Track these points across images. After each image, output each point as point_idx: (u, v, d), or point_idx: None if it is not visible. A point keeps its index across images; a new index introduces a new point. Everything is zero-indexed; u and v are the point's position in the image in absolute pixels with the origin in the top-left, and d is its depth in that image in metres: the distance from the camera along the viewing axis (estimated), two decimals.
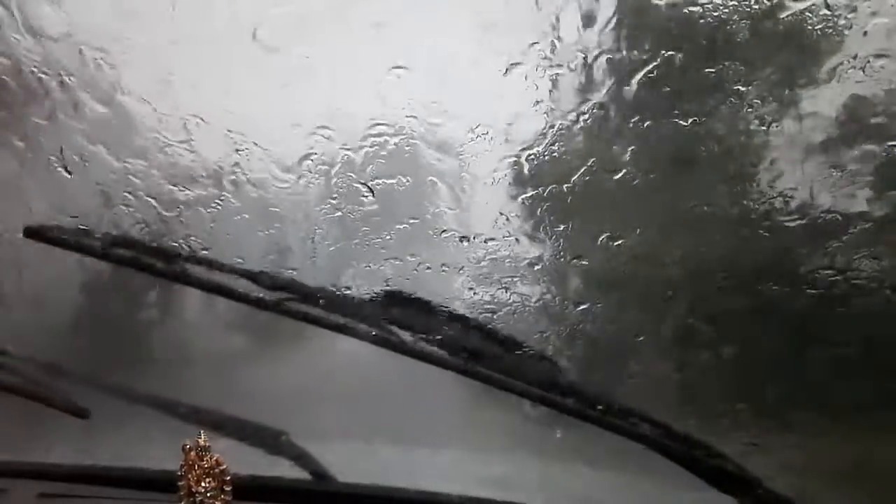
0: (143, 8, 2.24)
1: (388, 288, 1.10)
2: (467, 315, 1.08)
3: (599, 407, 1.11)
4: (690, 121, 2.19)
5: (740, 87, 2.23)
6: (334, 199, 2.22)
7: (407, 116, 2.21)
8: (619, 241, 2.30)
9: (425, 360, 1.08)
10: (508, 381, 1.09)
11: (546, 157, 2.26)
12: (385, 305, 1.12)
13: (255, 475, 1.71)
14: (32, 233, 1.23)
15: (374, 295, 1.11)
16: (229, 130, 2.36)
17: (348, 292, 1.10)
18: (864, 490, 2.37)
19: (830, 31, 2.12)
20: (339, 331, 1.08)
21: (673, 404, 4.32)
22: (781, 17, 2.06)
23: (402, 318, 1.09)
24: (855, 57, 2.12)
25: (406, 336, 1.08)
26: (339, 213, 2.41)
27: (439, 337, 1.07)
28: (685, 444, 1.12)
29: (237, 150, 2.64)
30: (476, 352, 1.09)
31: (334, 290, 1.07)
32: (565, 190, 2.35)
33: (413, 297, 1.09)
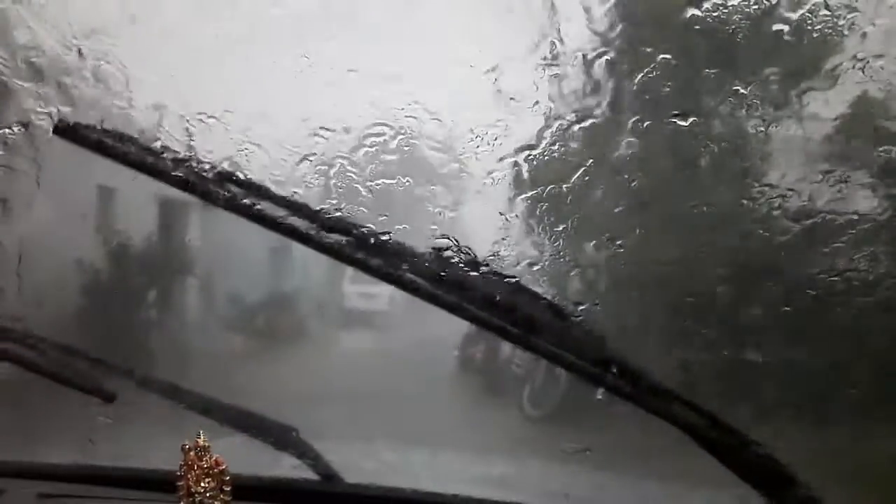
0: (145, 11, 2.24)
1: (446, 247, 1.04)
2: (519, 280, 1.03)
3: (647, 387, 1.06)
4: (690, 121, 2.19)
5: (740, 88, 2.23)
6: (333, 199, 2.22)
7: (407, 117, 2.21)
8: (619, 241, 2.30)
9: (476, 323, 1.04)
10: (558, 351, 1.05)
11: (545, 158, 2.26)
12: (440, 263, 1.06)
13: (257, 475, 1.71)
14: (63, 131, 1.09)
15: (432, 251, 1.05)
16: (228, 130, 2.36)
17: (407, 244, 1.04)
18: (863, 488, 2.37)
19: (830, 32, 2.11)
20: (393, 282, 1.03)
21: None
22: (782, 19, 2.06)
23: (455, 279, 1.04)
24: (854, 58, 2.12)
25: (455, 297, 1.03)
26: (339, 214, 2.41)
27: (487, 296, 1.02)
28: (729, 435, 1.08)
29: (237, 151, 2.63)
30: (526, 319, 1.04)
31: (394, 240, 1.02)
32: (564, 190, 2.35)
33: (470, 257, 1.03)
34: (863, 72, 2.11)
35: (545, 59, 2.09)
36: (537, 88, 2.14)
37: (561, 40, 2.08)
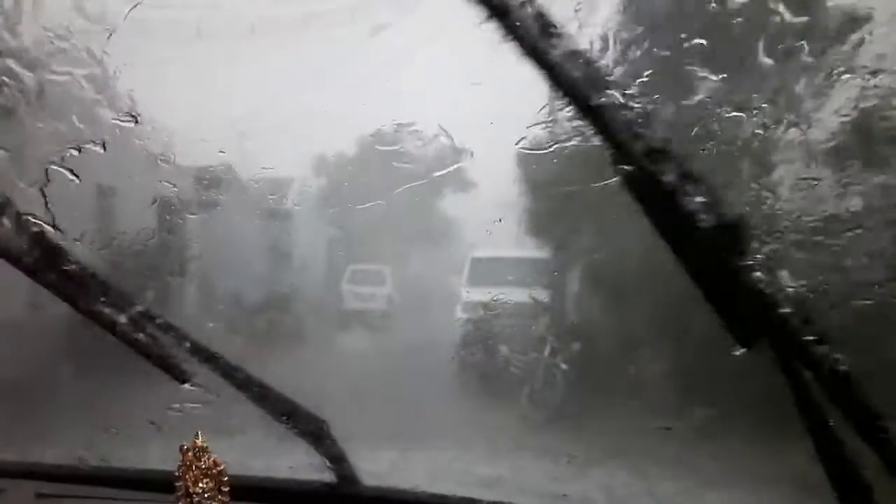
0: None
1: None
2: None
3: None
4: (693, 125, 2.19)
5: (744, 94, 2.23)
6: (335, 200, 2.23)
7: (410, 117, 2.22)
8: (620, 242, 2.30)
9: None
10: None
11: (547, 159, 2.26)
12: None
13: (256, 476, 1.71)
14: None
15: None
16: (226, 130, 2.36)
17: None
18: None
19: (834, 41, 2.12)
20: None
21: (670, 403, 4.34)
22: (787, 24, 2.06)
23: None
24: (854, 67, 2.12)
25: None
26: (340, 214, 2.42)
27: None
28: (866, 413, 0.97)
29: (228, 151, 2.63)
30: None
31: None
32: (566, 192, 2.35)
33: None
34: (862, 78, 2.12)
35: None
36: (538, 92, 2.14)
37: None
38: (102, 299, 1.51)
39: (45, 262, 1.42)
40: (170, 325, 1.59)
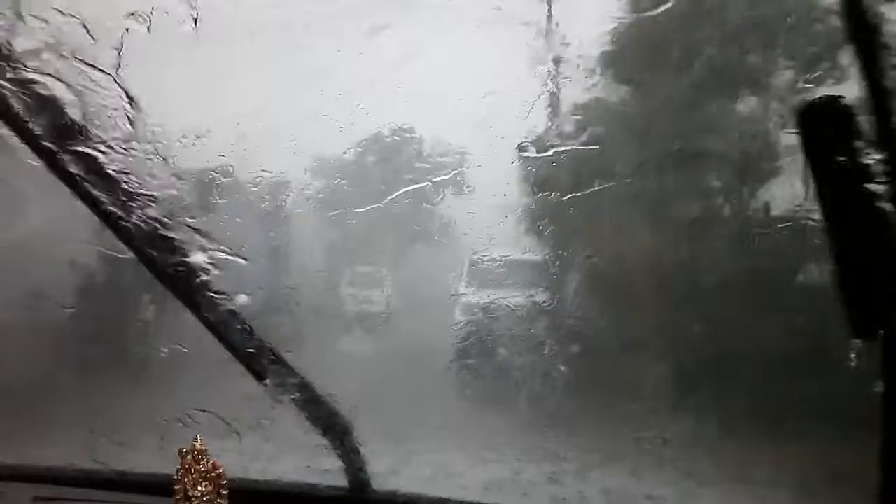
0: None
1: None
2: None
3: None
4: (693, 126, 2.19)
5: (746, 94, 2.23)
6: (334, 202, 2.23)
7: (413, 120, 2.22)
8: (620, 246, 2.30)
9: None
10: None
11: (546, 162, 2.26)
12: None
13: (254, 479, 1.71)
14: None
15: None
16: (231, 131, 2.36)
17: None
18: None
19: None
20: None
21: (668, 404, 4.34)
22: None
23: None
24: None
25: None
26: (341, 217, 2.41)
27: None
28: None
29: (230, 153, 2.62)
30: None
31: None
32: (568, 195, 2.35)
33: None
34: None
35: (552, 65, 2.09)
36: (539, 97, 2.14)
37: (567, 47, 2.07)
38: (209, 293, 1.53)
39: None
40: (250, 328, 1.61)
